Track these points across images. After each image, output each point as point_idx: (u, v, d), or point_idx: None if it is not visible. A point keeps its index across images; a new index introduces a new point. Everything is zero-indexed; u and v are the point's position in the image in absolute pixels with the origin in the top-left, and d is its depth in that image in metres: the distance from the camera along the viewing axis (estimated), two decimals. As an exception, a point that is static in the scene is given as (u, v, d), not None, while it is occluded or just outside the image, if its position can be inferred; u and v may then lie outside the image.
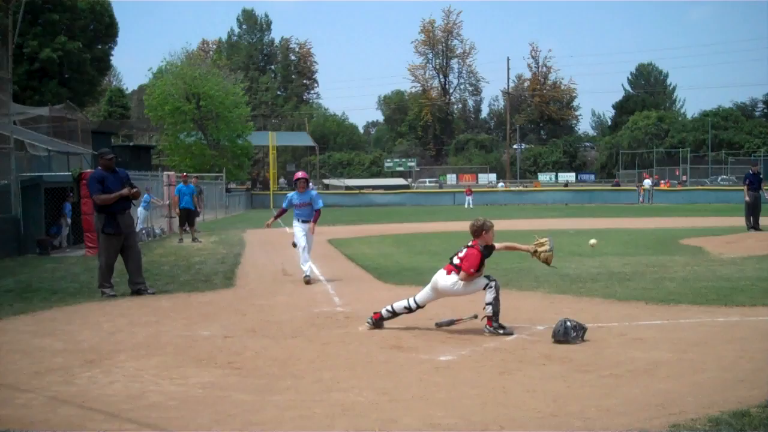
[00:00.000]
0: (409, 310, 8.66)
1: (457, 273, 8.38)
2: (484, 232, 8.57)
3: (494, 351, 7.54)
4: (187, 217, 22.78)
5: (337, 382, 6.43)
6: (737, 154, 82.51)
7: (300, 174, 13.59)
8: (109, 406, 5.69)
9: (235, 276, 14.26)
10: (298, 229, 13.34)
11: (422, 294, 8.68)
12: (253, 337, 8.43)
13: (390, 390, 6.15)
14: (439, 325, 8.68)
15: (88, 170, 18.99)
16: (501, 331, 8.19)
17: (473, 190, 60.87)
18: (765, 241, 18.80)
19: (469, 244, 8.58)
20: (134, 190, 11.96)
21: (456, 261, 8.46)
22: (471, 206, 53.70)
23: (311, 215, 13.38)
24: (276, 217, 14.09)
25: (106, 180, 11.60)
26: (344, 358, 7.38)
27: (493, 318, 8.25)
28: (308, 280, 12.97)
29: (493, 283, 8.36)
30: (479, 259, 8.38)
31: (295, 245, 13.51)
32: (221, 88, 53.78)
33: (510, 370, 6.78)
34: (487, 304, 8.27)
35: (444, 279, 8.44)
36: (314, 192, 13.78)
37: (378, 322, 8.73)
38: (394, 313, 8.70)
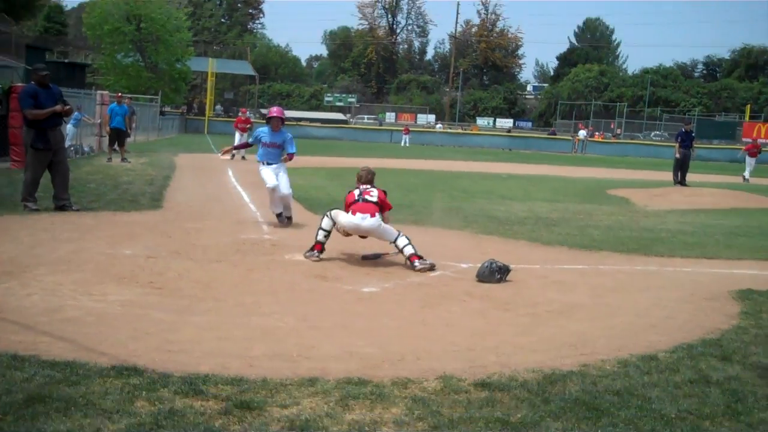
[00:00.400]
0: (333, 222, 8.60)
1: (380, 212, 8.49)
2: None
3: (418, 285, 7.62)
4: (118, 136, 22.49)
5: (258, 306, 6.43)
6: (672, 111, 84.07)
7: (275, 111, 11.62)
8: (25, 318, 5.60)
9: (162, 198, 14.03)
10: (267, 171, 11.28)
11: (338, 219, 8.54)
12: (176, 258, 8.32)
13: (311, 317, 6.18)
14: (365, 258, 8.73)
15: (19, 84, 18.36)
16: (427, 264, 8.24)
17: (411, 129, 60.83)
18: (689, 197, 19.35)
19: (370, 187, 8.81)
20: (67, 107, 11.73)
21: (371, 199, 8.55)
22: (407, 145, 53.80)
23: (280, 158, 11.47)
24: (235, 148, 11.49)
25: (38, 95, 11.33)
26: (267, 284, 7.37)
27: (417, 253, 8.29)
28: (284, 222, 11.32)
29: (401, 230, 8.60)
30: None
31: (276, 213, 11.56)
32: (163, 12, 52.50)
33: (431, 304, 6.87)
34: (406, 245, 8.33)
35: (368, 221, 8.36)
36: (289, 135, 11.73)
37: (321, 251, 8.64)
38: (327, 232, 8.60)
